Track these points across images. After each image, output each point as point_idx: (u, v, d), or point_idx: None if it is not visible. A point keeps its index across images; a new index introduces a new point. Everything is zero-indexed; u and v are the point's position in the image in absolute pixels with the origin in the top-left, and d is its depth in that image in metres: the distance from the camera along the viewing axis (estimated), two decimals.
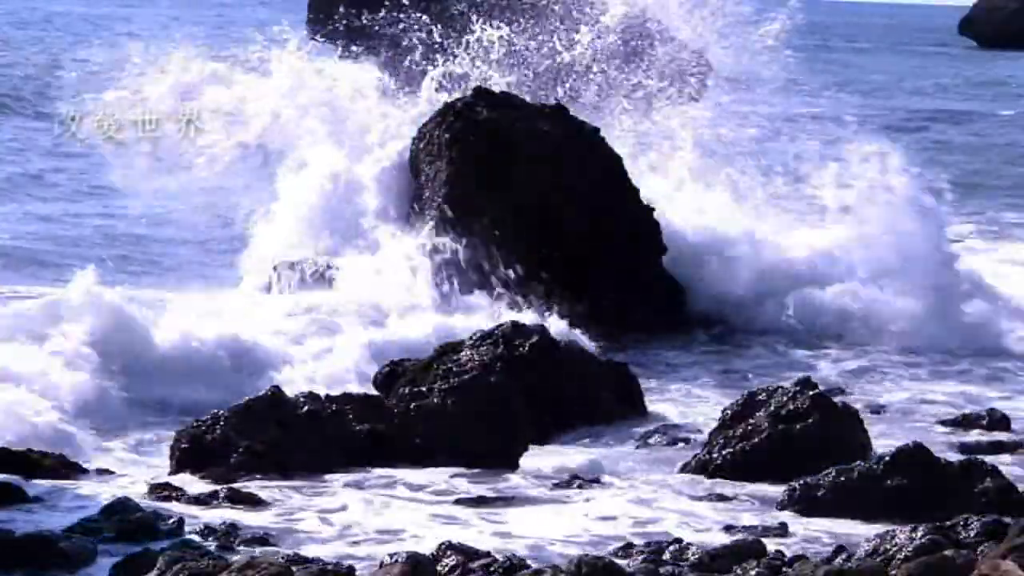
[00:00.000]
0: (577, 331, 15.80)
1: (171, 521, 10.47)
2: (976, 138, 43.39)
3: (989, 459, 11.98)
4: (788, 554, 9.97)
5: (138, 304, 15.04)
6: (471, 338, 14.83)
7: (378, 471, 12.07)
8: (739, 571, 9.49)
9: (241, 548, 10.07)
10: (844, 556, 9.78)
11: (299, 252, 18.49)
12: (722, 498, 11.75)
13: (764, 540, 10.24)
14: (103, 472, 11.88)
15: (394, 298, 17.18)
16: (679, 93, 20.96)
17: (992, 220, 28.17)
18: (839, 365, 16.75)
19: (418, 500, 11.39)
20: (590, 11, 21.12)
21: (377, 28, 19.99)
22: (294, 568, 8.91)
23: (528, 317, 15.53)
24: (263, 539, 10.33)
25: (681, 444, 13.38)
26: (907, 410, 14.83)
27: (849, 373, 16.37)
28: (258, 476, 11.71)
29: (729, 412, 13.18)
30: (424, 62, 19.63)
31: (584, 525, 10.93)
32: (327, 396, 12.88)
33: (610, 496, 11.69)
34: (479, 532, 10.66)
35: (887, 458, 11.76)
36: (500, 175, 18.00)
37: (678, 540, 10.34)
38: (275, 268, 18.12)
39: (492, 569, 9.30)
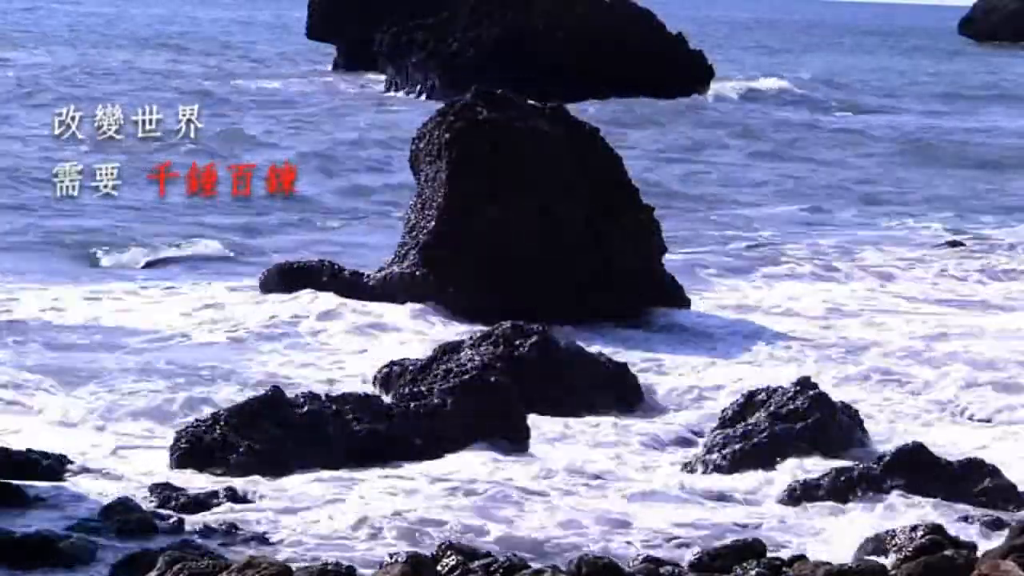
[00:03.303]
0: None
1: (171, 521, 10.47)
2: None
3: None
4: (788, 554, 9.97)
5: None
6: (471, 338, 14.85)
7: (378, 471, 12.05)
8: (739, 571, 9.49)
9: (241, 548, 10.07)
10: (844, 556, 9.78)
11: None
12: (722, 497, 11.74)
13: (764, 540, 10.24)
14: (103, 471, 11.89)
15: None
16: None
17: None
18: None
19: (418, 500, 11.38)
20: None
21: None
22: (294, 568, 8.91)
23: None
24: (263, 539, 10.33)
25: (681, 443, 13.37)
26: None
27: None
28: (258, 476, 11.70)
29: (729, 412, 13.19)
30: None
31: (584, 525, 10.92)
32: (327, 396, 12.88)
33: (610, 495, 11.68)
34: (479, 532, 10.65)
35: (887, 458, 11.76)
36: (500, 175, 17.98)
37: (678, 540, 10.33)
38: None
39: (492, 569, 9.29)
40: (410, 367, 14.47)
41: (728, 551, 9.86)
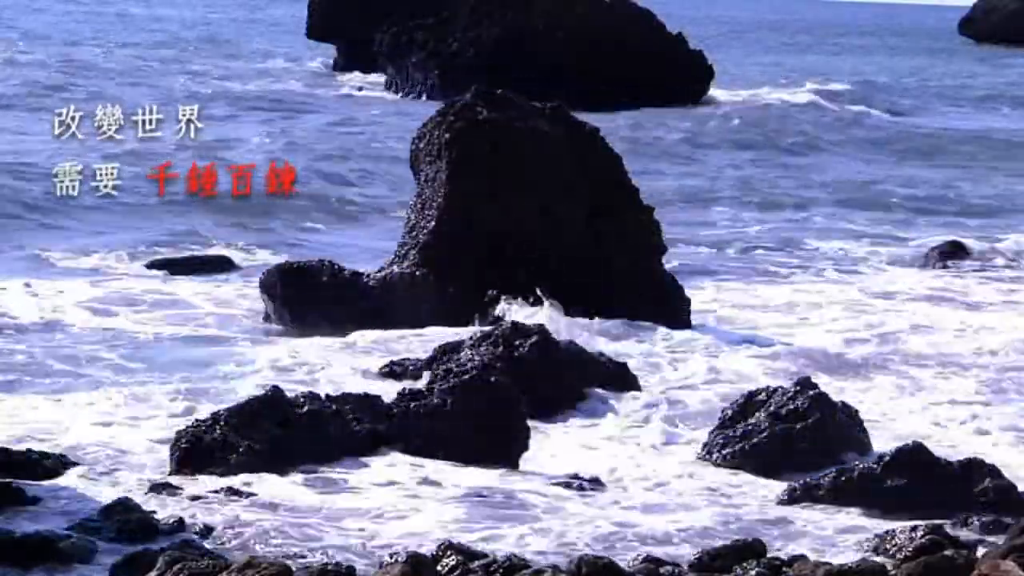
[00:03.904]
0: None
1: (171, 521, 10.47)
2: None
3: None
4: (788, 554, 9.97)
5: None
6: (471, 338, 14.85)
7: (378, 471, 12.05)
8: (739, 571, 9.49)
9: (241, 548, 10.07)
10: (844, 555, 9.78)
11: None
12: (722, 498, 11.74)
13: (764, 540, 10.24)
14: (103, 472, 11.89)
15: None
16: None
17: None
18: None
19: (418, 500, 11.38)
20: None
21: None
22: (294, 568, 8.91)
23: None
24: (263, 539, 10.32)
25: (681, 443, 13.37)
26: None
27: None
28: (258, 476, 11.69)
29: (729, 412, 13.19)
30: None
31: (584, 524, 10.92)
32: (327, 396, 12.88)
33: (610, 495, 11.68)
34: (479, 532, 10.65)
35: (887, 458, 11.77)
36: (500, 175, 17.98)
37: (678, 540, 10.33)
38: None
39: (492, 569, 9.29)
40: (410, 367, 14.47)
41: (728, 551, 9.86)
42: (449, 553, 9.44)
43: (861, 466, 11.79)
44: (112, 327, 17.25)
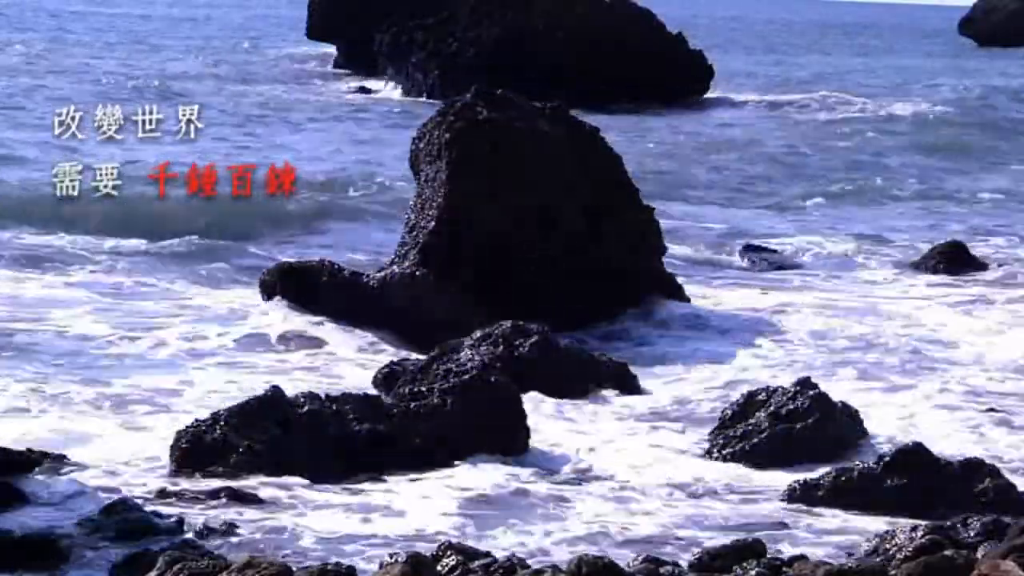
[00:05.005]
0: None
1: (171, 521, 10.48)
2: None
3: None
4: (788, 554, 9.97)
5: None
6: (471, 338, 14.85)
7: (377, 471, 12.05)
8: (739, 571, 9.49)
9: (241, 548, 10.07)
10: (844, 555, 9.77)
11: None
12: (722, 497, 11.75)
13: (764, 540, 10.24)
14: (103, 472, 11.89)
15: None
16: None
17: None
18: None
19: (417, 500, 11.39)
20: None
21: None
22: (294, 568, 8.92)
23: None
24: (263, 539, 10.32)
25: (681, 443, 13.37)
26: None
27: None
28: (258, 476, 11.70)
29: (729, 412, 13.19)
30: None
31: (584, 524, 10.93)
32: (327, 396, 12.88)
33: (610, 495, 11.68)
34: (480, 532, 10.66)
35: (887, 458, 11.78)
36: (500, 175, 17.98)
37: (678, 540, 10.33)
38: None
39: (492, 569, 9.29)
40: (410, 367, 14.47)
41: (728, 551, 9.86)
42: (449, 553, 9.44)
43: (861, 466, 11.80)
44: (110, 326, 17.23)
